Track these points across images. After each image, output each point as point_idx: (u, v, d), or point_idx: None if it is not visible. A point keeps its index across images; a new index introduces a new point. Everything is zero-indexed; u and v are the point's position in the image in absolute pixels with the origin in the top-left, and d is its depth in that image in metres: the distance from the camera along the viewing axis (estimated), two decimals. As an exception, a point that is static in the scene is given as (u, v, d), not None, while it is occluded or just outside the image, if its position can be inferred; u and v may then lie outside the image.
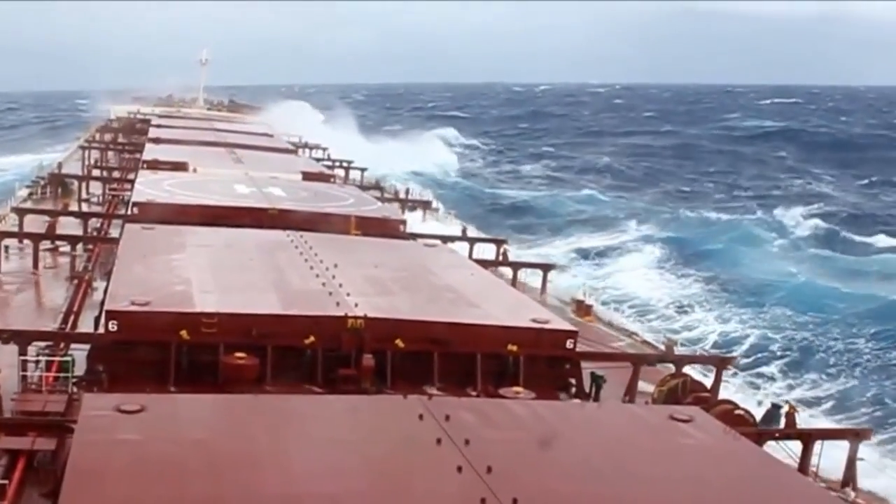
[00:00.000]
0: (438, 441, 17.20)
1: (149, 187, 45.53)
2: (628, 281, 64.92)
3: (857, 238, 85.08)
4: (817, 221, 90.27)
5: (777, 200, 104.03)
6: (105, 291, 29.04)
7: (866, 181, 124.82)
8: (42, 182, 59.99)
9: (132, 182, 51.16)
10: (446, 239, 45.70)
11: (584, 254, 74.58)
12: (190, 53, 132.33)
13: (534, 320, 27.46)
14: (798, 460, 23.83)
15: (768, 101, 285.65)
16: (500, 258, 45.89)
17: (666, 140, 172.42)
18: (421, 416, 18.34)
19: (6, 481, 18.15)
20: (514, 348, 26.34)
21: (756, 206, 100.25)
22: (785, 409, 26.61)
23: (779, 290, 62.67)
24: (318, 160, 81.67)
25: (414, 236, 43.64)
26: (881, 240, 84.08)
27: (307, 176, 57.85)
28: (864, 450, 25.45)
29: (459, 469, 15.99)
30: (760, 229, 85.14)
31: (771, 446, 23.89)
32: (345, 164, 79.74)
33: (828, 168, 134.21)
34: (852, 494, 24.63)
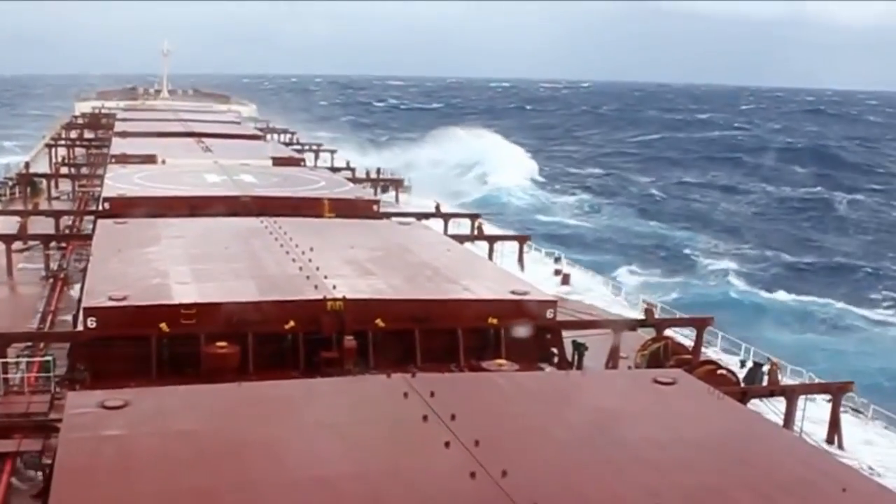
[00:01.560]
0: (425, 418, 17.21)
1: (119, 181, 45.20)
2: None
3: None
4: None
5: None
6: (81, 289, 28.86)
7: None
8: (10, 183, 59.49)
9: (101, 177, 50.82)
10: (420, 216, 45.64)
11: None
12: (152, 44, 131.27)
13: (513, 292, 27.52)
14: (783, 416, 24.07)
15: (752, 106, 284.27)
16: (476, 232, 45.91)
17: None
18: (406, 395, 18.33)
19: None
20: (495, 321, 26.38)
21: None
22: (767, 366, 26.82)
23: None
24: (286, 144, 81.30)
25: (388, 215, 43.57)
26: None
27: (277, 161, 57.72)
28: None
29: (447, 444, 16.00)
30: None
31: (755, 404, 24.14)
32: (314, 148, 79.37)
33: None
34: (837, 446, 24.95)
